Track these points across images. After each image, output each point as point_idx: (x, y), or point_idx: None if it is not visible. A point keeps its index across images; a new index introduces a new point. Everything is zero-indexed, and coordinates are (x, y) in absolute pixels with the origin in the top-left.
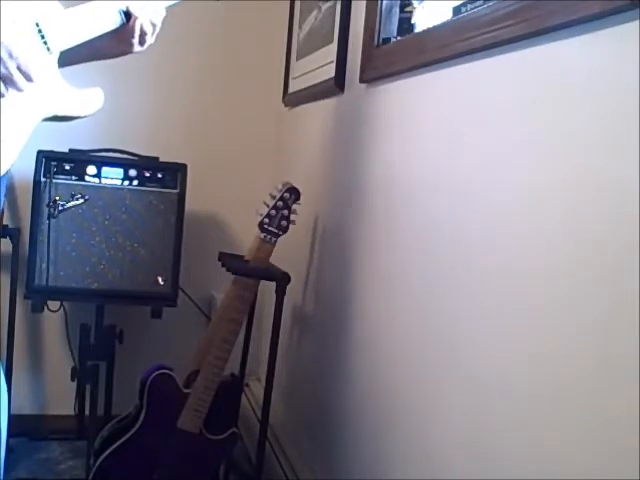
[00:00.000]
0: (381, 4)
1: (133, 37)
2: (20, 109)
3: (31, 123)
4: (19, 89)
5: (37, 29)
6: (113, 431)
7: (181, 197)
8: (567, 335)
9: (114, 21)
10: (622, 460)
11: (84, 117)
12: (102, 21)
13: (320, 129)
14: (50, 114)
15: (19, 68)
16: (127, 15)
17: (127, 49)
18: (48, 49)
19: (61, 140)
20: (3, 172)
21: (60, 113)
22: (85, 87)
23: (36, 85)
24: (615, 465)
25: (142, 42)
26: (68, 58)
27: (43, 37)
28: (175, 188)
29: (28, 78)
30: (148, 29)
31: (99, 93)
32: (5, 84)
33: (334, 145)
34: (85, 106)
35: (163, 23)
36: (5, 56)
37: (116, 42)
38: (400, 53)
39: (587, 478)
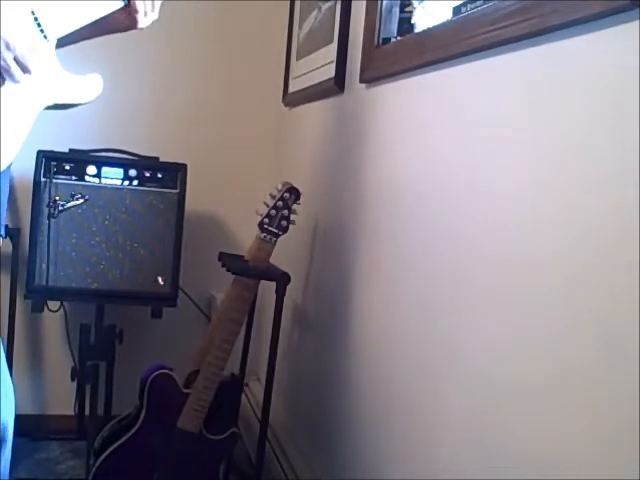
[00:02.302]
0: (381, 4)
1: (137, 12)
2: (20, 99)
3: (32, 113)
4: (15, 81)
5: (33, 17)
6: (113, 431)
7: (181, 197)
8: (568, 332)
9: (113, 3)
10: (623, 458)
11: (85, 104)
12: (100, 5)
13: (320, 129)
14: (50, 102)
15: (16, 59)
16: None
17: (132, 24)
18: (45, 37)
19: (61, 140)
20: (7, 163)
21: (60, 101)
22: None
23: (33, 77)
24: (616, 463)
25: (145, 15)
26: (72, 36)
27: (39, 25)
28: (175, 188)
29: (25, 70)
30: (148, 1)
31: (98, 79)
32: (1, 76)
33: (334, 145)
34: (85, 93)
35: (164, 22)
36: (2, 47)
37: (120, 18)
38: (400, 53)
39: (588, 475)
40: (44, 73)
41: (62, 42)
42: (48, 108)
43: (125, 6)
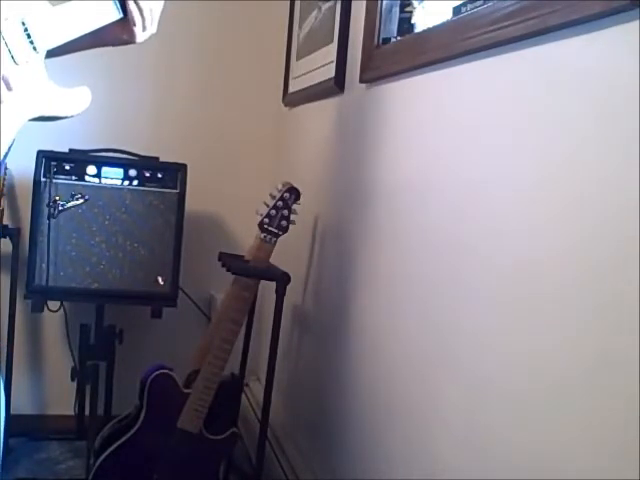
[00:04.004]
0: (381, 4)
1: (135, 25)
2: (4, 110)
3: (16, 125)
4: None
5: (23, 28)
6: (113, 431)
7: (181, 197)
8: (567, 334)
9: (109, 15)
10: (622, 458)
11: (71, 117)
12: (94, 17)
13: (320, 129)
14: (35, 115)
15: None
16: (123, 6)
17: (129, 39)
18: (34, 48)
19: (61, 140)
20: None
21: (45, 114)
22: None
23: (16, 93)
24: (615, 464)
25: (143, 30)
26: (67, 47)
27: (29, 36)
28: (175, 188)
29: (8, 87)
30: (147, 16)
31: (86, 92)
32: None
33: (334, 145)
34: (72, 106)
35: (164, 23)
36: None
37: (118, 31)
38: (400, 53)
39: (587, 477)
40: (31, 84)
41: (56, 52)
42: (33, 120)
43: (122, 19)
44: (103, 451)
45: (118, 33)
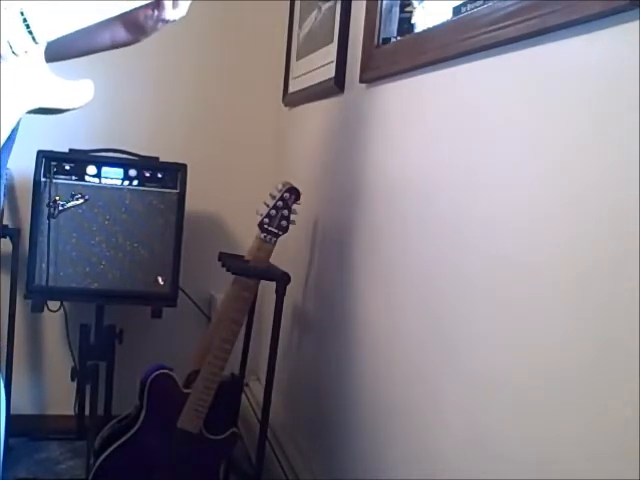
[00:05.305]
0: (381, 4)
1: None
2: (1, 100)
3: (14, 115)
4: None
5: (22, 18)
6: (113, 431)
7: (181, 197)
8: (567, 333)
9: (117, 8)
10: (623, 458)
11: (73, 110)
12: (100, 11)
13: (320, 129)
14: (35, 106)
15: None
16: None
17: (159, 12)
18: (34, 39)
19: (61, 140)
20: None
21: (46, 105)
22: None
23: (14, 72)
24: (615, 464)
25: (174, 6)
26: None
27: (28, 27)
28: (175, 188)
29: None
30: None
31: (89, 85)
32: None
33: (334, 145)
34: (73, 98)
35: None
36: None
37: (148, 10)
38: (400, 53)
39: (587, 477)
40: (28, 76)
41: (69, 54)
42: (33, 112)
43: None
44: (103, 451)
45: (147, 14)
